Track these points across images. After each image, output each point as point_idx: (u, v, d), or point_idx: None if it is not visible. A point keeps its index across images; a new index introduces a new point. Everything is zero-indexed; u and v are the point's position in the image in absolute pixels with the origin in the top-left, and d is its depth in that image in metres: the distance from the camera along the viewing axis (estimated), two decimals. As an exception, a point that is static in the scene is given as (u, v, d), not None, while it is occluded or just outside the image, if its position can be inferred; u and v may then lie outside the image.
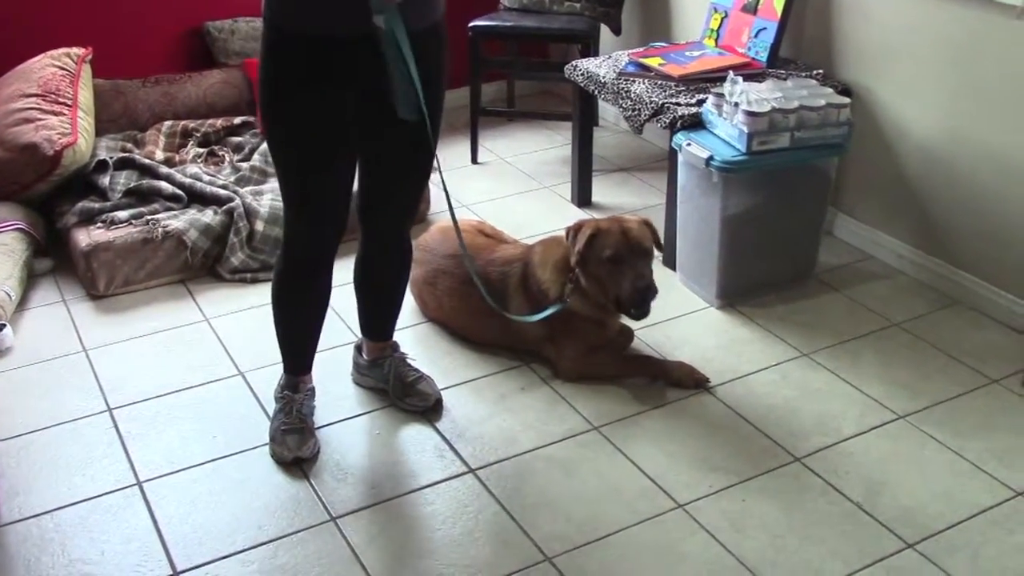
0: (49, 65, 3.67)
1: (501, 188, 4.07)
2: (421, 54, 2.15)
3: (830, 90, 3.12)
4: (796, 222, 3.22)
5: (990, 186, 3.04)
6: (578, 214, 3.84)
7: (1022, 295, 3.03)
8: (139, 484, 2.47)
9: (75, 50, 3.78)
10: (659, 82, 3.39)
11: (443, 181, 2.39)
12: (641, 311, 2.75)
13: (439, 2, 2.25)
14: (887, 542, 2.26)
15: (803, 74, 3.35)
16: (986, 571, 2.18)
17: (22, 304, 3.23)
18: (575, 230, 2.80)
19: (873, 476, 2.46)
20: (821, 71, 3.40)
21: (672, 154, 3.23)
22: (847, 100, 3.08)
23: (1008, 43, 2.88)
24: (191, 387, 2.84)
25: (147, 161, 3.61)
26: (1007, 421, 2.66)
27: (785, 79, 3.24)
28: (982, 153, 3.04)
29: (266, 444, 2.59)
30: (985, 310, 3.13)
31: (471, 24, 4.06)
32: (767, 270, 3.23)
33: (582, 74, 3.60)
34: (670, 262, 3.41)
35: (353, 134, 2.26)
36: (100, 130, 3.80)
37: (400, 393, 2.73)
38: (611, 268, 2.73)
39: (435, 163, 2.34)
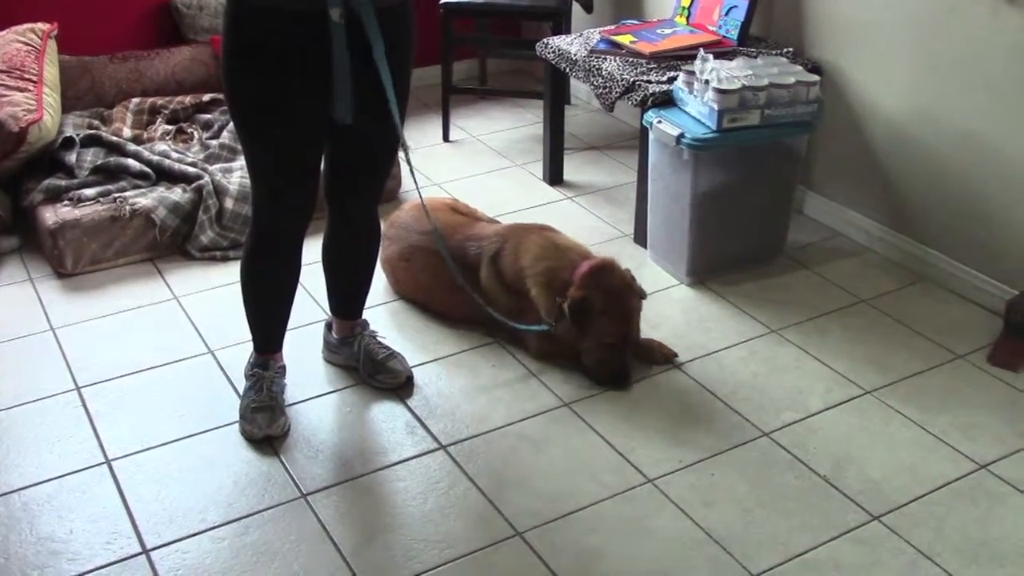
0: (14, 41, 3.61)
1: (473, 166, 4.06)
2: (388, 31, 2.14)
3: (800, 68, 3.13)
4: (766, 200, 3.23)
5: (958, 165, 3.07)
6: (550, 192, 3.84)
7: (988, 272, 3.06)
8: (108, 462, 2.46)
9: (40, 25, 3.73)
10: (630, 60, 3.39)
11: (409, 161, 2.38)
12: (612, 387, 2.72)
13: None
14: (853, 515, 2.29)
15: (773, 52, 3.36)
16: (950, 542, 2.22)
17: (-12, 283, 3.20)
18: (579, 303, 2.66)
19: (840, 450, 2.49)
20: (791, 49, 3.41)
21: (643, 132, 3.24)
22: (817, 78, 3.09)
23: (977, 23, 2.90)
24: (160, 365, 2.83)
25: (114, 138, 3.58)
26: (971, 396, 2.70)
27: (755, 57, 3.25)
28: (950, 132, 3.07)
29: (236, 422, 2.58)
30: (951, 287, 3.16)
31: (443, 1, 4.04)
32: (737, 247, 3.25)
33: (553, 52, 3.59)
34: (641, 239, 3.42)
35: (319, 111, 2.24)
36: (66, 107, 3.76)
37: (371, 370, 2.73)
38: (601, 349, 2.70)
39: (403, 144, 2.32)
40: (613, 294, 2.71)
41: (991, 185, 2.99)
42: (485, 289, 2.83)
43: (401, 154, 2.41)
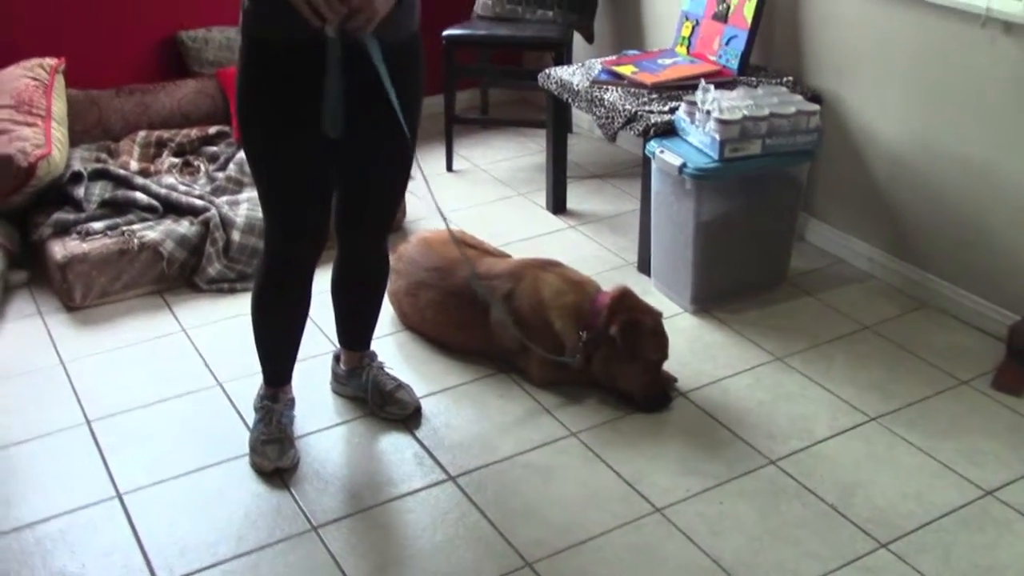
0: (22, 76, 3.65)
1: (477, 195, 4.10)
2: (397, 66, 2.18)
3: (800, 97, 3.17)
4: (769, 227, 3.26)
5: (957, 191, 3.10)
6: (553, 221, 3.87)
7: (989, 298, 3.09)
8: (119, 496, 2.47)
9: (48, 60, 3.78)
10: (632, 90, 3.43)
11: (432, 195, 2.42)
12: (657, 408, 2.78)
13: (414, 15, 2.28)
14: (861, 543, 2.31)
15: (773, 81, 3.40)
16: (957, 569, 2.23)
17: (-3, 317, 3.23)
18: (631, 326, 2.74)
19: (847, 478, 2.51)
20: (791, 78, 3.45)
21: (646, 161, 3.27)
22: (817, 107, 3.13)
23: (973, 51, 2.94)
24: (170, 398, 2.85)
25: (122, 172, 3.61)
26: (977, 422, 2.71)
27: (756, 86, 3.28)
28: (949, 158, 3.10)
29: (246, 455, 2.60)
30: (954, 313, 3.19)
31: (445, 33, 4.09)
32: (740, 275, 3.27)
33: (556, 82, 3.63)
34: (644, 268, 3.45)
35: (330, 144, 2.27)
36: (74, 140, 3.79)
37: (379, 402, 2.75)
38: (648, 371, 2.76)
39: (421, 174, 2.36)
40: (651, 315, 2.81)
41: (991, 212, 3.02)
42: (494, 324, 2.86)
43: (419, 177, 2.40)
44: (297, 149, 2.26)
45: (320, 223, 2.39)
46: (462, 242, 3.06)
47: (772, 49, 3.61)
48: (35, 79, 3.68)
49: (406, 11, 2.22)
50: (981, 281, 3.11)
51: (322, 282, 2.67)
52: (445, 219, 2.43)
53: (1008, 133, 2.91)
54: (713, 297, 3.24)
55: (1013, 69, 2.85)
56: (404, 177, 2.44)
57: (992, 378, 2.88)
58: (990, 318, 3.08)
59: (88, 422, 2.75)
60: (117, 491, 2.49)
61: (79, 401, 2.84)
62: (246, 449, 2.61)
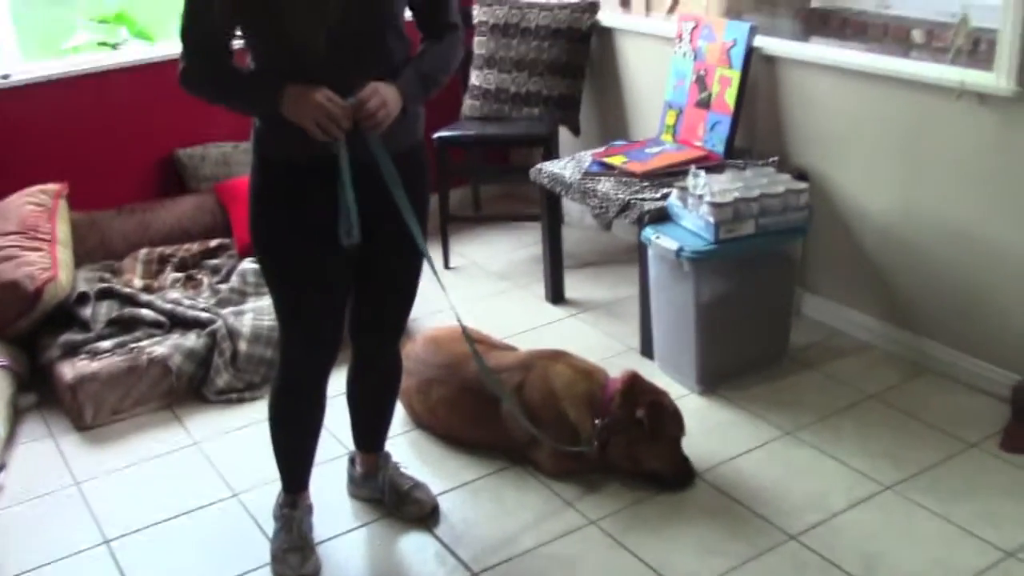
0: (26, 203, 3.73)
1: (476, 291, 4.16)
2: (405, 173, 2.26)
3: (787, 176, 3.27)
4: (767, 304, 3.32)
5: (947, 257, 3.18)
6: (553, 311, 3.93)
7: (990, 360, 3.14)
8: (143, 615, 2.47)
9: (50, 186, 3.86)
10: (624, 179, 3.52)
11: (445, 292, 2.48)
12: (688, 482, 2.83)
13: (418, 126, 2.37)
14: (889, 613, 2.31)
15: (759, 163, 3.50)
16: (987, 634, 2.23)
17: (9, 442, 3.22)
18: (656, 409, 2.80)
19: (868, 548, 2.52)
20: (776, 158, 3.55)
21: (642, 247, 3.34)
22: (805, 184, 3.22)
23: (950, 123, 3.04)
24: (187, 512, 2.85)
25: (127, 290, 3.66)
26: (989, 483, 2.74)
27: (743, 169, 3.38)
28: (936, 227, 3.18)
29: (267, 565, 2.59)
30: (955, 376, 3.23)
31: (436, 135, 4.20)
32: (743, 353, 3.32)
33: (548, 176, 3.72)
34: (647, 352, 3.49)
35: (342, 254, 2.33)
36: (77, 262, 3.85)
37: (397, 503, 2.76)
38: (673, 449, 2.83)
39: (435, 274, 2.42)
40: (666, 395, 2.88)
41: (982, 276, 3.09)
42: (505, 418, 2.89)
43: (430, 273, 2.46)
44: (312, 263, 2.32)
45: (336, 332, 2.44)
46: (447, 338, 3.10)
47: (756, 132, 3.72)
48: (39, 205, 3.75)
49: (412, 120, 2.31)
50: (979, 344, 3.16)
51: (335, 385, 2.70)
52: (457, 315, 2.48)
53: (992, 199, 3.00)
54: (718, 376, 3.28)
55: (992, 138, 2.95)
56: (417, 280, 2.50)
57: (1000, 439, 2.91)
58: (991, 380, 3.13)
59: (107, 541, 2.74)
60: (141, 610, 2.48)
61: (96, 521, 2.83)
62: (267, 559, 2.60)
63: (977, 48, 2.97)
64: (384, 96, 2.16)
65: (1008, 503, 2.65)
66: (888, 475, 2.79)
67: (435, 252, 4.38)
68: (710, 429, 3.07)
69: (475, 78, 4.41)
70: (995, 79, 2.87)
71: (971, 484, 2.74)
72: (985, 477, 2.76)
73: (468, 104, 4.44)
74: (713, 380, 3.27)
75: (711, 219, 3.06)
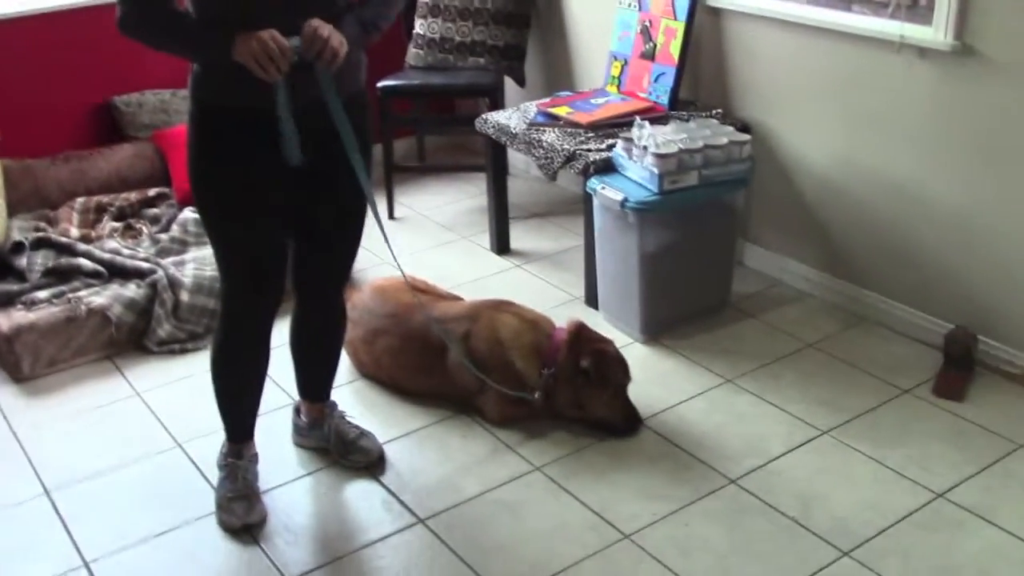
0: (-44, 150, 3.63)
1: (421, 241, 4.15)
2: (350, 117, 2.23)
3: (731, 128, 3.29)
4: (709, 254, 3.36)
5: (885, 209, 3.24)
6: (499, 261, 3.94)
7: (924, 309, 3.22)
8: (86, 565, 2.45)
9: (-19, 133, 3.75)
10: (569, 130, 3.52)
11: (388, 242, 2.46)
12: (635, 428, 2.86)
13: (362, 70, 2.34)
14: (824, 552, 2.38)
15: (703, 114, 3.52)
16: (918, 571, 2.31)
17: (-56, 393, 3.17)
18: (601, 358, 2.83)
19: (805, 491, 2.59)
20: (720, 110, 3.58)
21: (587, 198, 3.36)
22: (748, 136, 3.25)
23: (890, 77, 3.09)
24: (129, 463, 2.82)
25: (64, 239, 3.58)
26: (922, 428, 2.82)
27: (687, 120, 3.40)
28: (875, 179, 3.24)
29: (212, 513, 2.59)
30: (890, 325, 3.31)
31: (379, 84, 4.15)
32: (686, 302, 3.36)
33: (493, 127, 3.71)
34: (592, 301, 3.52)
35: (284, 201, 2.31)
36: (11, 211, 3.76)
37: (342, 451, 2.76)
38: (619, 395, 2.85)
39: (378, 223, 2.39)
40: (611, 343, 2.90)
41: (918, 227, 3.16)
42: (451, 366, 2.90)
43: (372, 222, 2.44)
44: (252, 210, 2.29)
45: (278, 279, 2.42)
46: (392, 288, 3.10)
47: (700, 83, 3.74)
48: (-31, 152, 3.65)
49: (354, 67, 2.28)
50: (914, 293, 3.24)
51: (278, 336, 2.69)
52: (399, 265, 2.47)
53: (929, 152, 3.06)
54: (661, 325, 3.32)
55: (930, 91, 3.00)
56: (361, 225, 2.49)
57: (933, 385, 3.00)
58: (925, 328, 3.21)
59: (47, 492, 2.71)
60: (84, 560, 2.46)
61: (36, 472, 2.80)
62: (212, 508, 2.60)
63: (917, 3, 3.00)
64: (331, 28, 2.13)
65: (940, 446, 2.74)
66: (825, 420, 2.86)
67: (380, 203, 4.38)
68: (653, 377, 3.11)
69: (419, 27, 4.36)
70: (933, 33, 2.92)
71: (905, 429, 2.82)
72: (918, 422, 2.85)
73: (412, 53, 4.39)
74: (656, 329, 3.31)
75: (655, 170, 3.08)
